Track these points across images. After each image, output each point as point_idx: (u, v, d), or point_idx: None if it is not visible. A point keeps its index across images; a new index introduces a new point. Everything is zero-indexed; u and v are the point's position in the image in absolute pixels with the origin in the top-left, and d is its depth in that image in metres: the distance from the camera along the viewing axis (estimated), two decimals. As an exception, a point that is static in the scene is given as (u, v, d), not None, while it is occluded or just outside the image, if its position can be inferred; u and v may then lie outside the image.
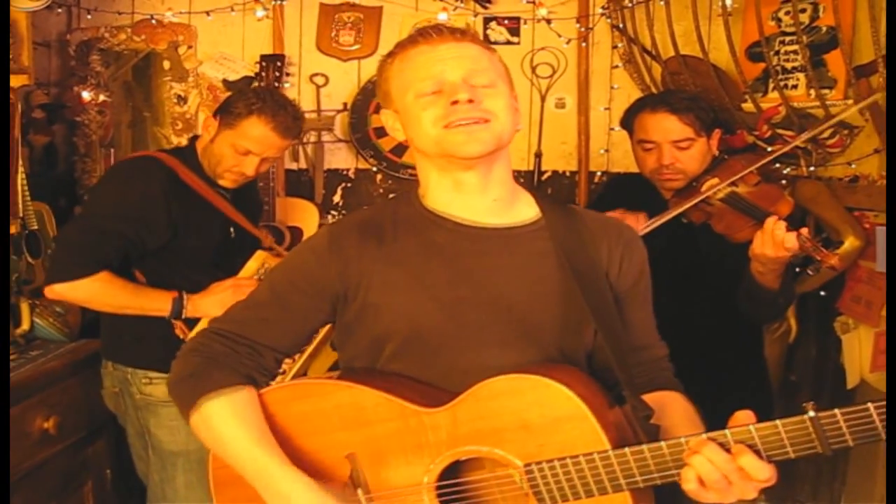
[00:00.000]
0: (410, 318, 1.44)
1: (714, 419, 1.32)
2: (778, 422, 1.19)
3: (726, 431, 1.21)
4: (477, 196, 1.48)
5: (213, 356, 1.46)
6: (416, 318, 1.44)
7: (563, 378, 1.31)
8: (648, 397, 1.44)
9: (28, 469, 2.28)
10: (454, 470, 1.39)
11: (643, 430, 1.31)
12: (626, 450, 1.26)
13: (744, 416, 1.24)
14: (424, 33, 1.46)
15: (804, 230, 2.04)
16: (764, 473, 1.20)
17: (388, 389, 1.39)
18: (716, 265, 2.27)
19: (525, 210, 1.54)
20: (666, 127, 2.36)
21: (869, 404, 1.12)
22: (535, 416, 1.31)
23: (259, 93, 2.45)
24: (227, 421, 1.41)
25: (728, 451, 1.21)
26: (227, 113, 2.41)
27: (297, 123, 2.45)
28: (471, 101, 1.39)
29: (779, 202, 2.25)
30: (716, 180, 2.33)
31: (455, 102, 1.39)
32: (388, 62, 1.51)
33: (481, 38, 3.40)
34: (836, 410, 1.14)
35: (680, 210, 2.30)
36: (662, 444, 1.25)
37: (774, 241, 2.00)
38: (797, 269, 2.17)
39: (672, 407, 1.46)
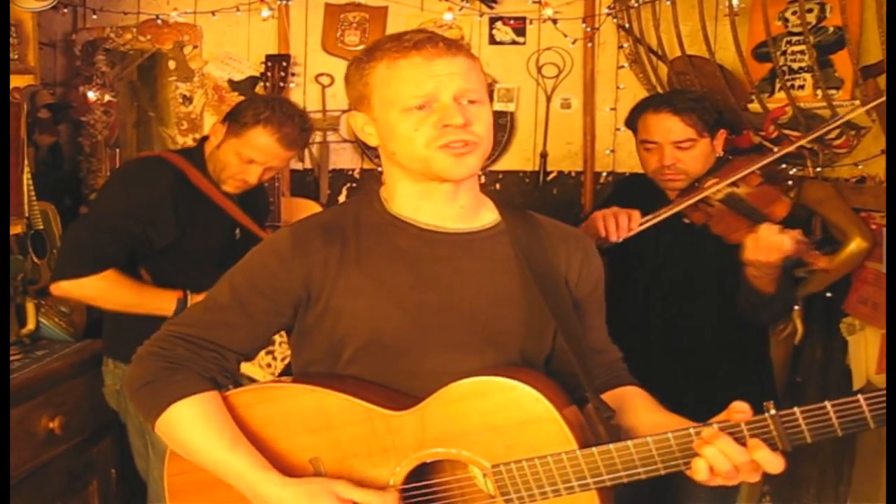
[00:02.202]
0: (372, 322, 1.42)
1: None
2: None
3: (741, 424, 1.22)
4: (445, 203, 1.48)
5: (177, 360, 1.42)
6: (378, 322, 1.42)
7: (529, 381, 1.33)
8: (612, 393, 1.50)
9: (33, 469, 2.28)
10: (420, 473, 1.39)
11: (606, 430, 1.33)
12: (594, 449, 1.28)
13: (739, 409, 1.25)
14: (419, 45, 1.39)
15: (795, 232, 2.02)
16: (777, 466, 1.21)
17: (352, 392, 1.38)
18: (718, 267, 2.27)
19: (487, 214, 1.54)
20: (668, 127, 2.34)
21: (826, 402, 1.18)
22: (502, 418, 1.32)
23: (269, 102, 2.45)
24: (197, 426, 1.38)
25: (740, 441, 1.22)
26: (234, 121, 2.41)
27: (303, 135, 2.45)
28: (464, 124, 1.37)
29: (775, 203, 2.24)
30: (716, 180, 2.32)
31: (447, 126, 1.37)
32: (370, 66, 1.44)
33: (487, 38, 3.46)
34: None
35: (676, 209, 2.28)
36: (629, 443, 1.27)
37: (769, 245, 2.00)
38: (794, 272, 2.16)
39: (634, 397, 1.51)
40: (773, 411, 1.20)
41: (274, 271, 1.45)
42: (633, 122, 2.47)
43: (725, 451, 1.21)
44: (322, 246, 1.45)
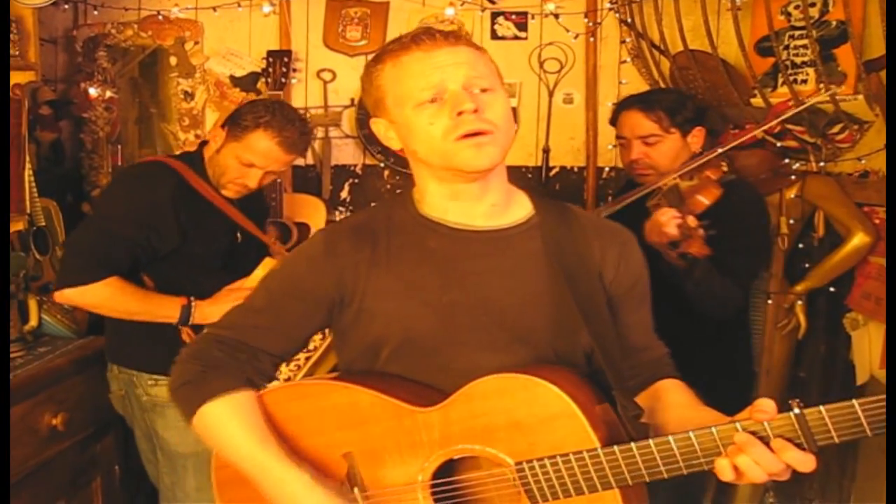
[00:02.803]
0: (404, 323, 1.44)
1: None
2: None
3: (765, 423, 1.19)
4: (474, 203, 1.48)
5: (213, 362, 1.46)
6: (410, 323, 1.44)
7: (553, 377, 1.32)
8: (650, 389, 1.48)
9: (37, 465, 2.28)
10: (449, 468, 1.40)
11: (633, 428, 1.32)
12: (615, 448, 1.27)
13: (762, 408, 1.21)
14: (417, 39, 1.41)
15: (690, 218, 2.14)
16: (809, 466, 1.18)
17: (382, 390, 1.40)
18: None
19: (518, 210, 1.54)
20: (633, 123, 2.47)
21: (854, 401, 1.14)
22: (525, 414, 1.32)
23: (269, 106, 2.44)
24: (229, 424, 1.41)
25: (765, 442, 1.19)
26: (234, 124, 2.40)
27: (303, 139, 2.45)
28: (476, 110, 1.37)
29: (700, 192, 2.29)
30: (673, 175, 2.38)
31: (461, 113, 1.37)
32: (378, 69, 1.46)
33: (489, 33, 3.46)
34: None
35: (627, 201, 2.41)
36: (650, 442, 1.25)
37: (658, 227, 2.17)
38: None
39: (670, 391, 1.49)
40: (797, 410, 1.17)
41: (306, 275, 1.49)
42: (614, 120, 2.59)
43: (760, 461, 1.18)
44: (353, 248, 1.47)
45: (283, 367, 2.43)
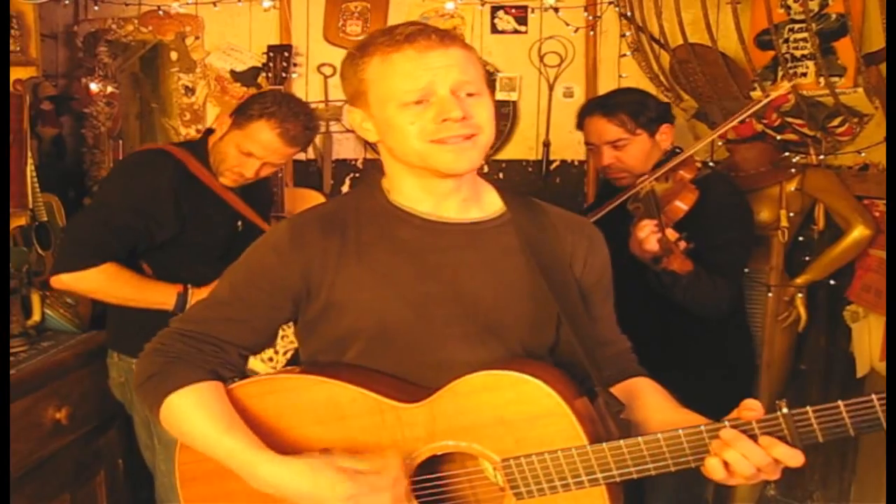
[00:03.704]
0: (377, 315, 1.42)
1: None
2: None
3: (752, 422, 1.22)
4: (447, 197, 1.47)
5: (177, 355, 1.43)
6: (383, 315, 1.42)
7: (540, 374, 1.33)
8: (621, 386, 1.48)
9: (41, 459, 2.28)
10: (431, 465, 1.40)
11: (616, 424, 1.33)
12: (604, 445, 1.28)
13: (750, 407, 1.24)
14: (411, 37, 1.36)
15: (669, 232, 2.13)
16: (797, 461, 1.21)
17: (363, 384, 1.38)
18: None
19: (488, 204, 1.53)
20: (599, 129, 2.45)
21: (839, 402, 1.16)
22: (512, 411, 1.32)
23: (277, 97, 2.43)
24: (194, 413, 1.38)
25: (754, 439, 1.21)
26: (240, 113, 2.40)
27: (307, 133, 2.43)
28: (462, 118, 1.36)
29: (678, 197, 2.27)
30: (647, 177, 2.38)
31: (446, 120, 1.35)
32: (364, 61, 1.41)
33: (489, 27, 3.46)
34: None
35: (610, 207, 2.39)
36: (640, 439, 1.27)
37: (639, 241, 2.16)
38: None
39: (646, 391, 1.49)
40: (785, 409, 1.19)
41: (272, 266, 1.46)
42: (580, 125, 2.57)
43: (748, 455, 1.20)
44: (320, 238, 1.44)
45: (280, 358, 2.44)
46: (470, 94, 1.38)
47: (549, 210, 1.56)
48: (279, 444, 1.39)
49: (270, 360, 2.45)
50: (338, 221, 1.47)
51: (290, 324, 1.56)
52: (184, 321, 1.49)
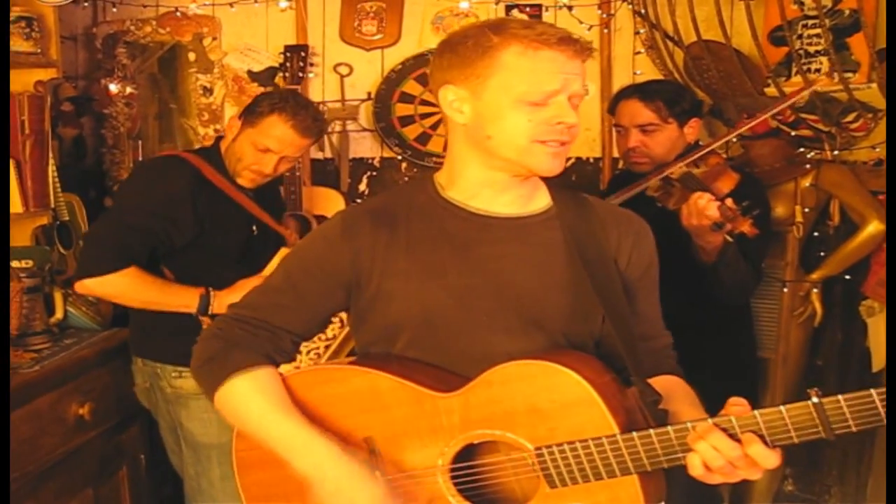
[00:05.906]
0: (422, 305, 1.45)
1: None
2: (782, 407, 1.21)
3: (731, 418, 1.23)
4: (505, 192, 1.49)
5: (233, 339, 1.49)
6: (427, 305, 1.45)
7: (573, 363, 1.34)
8: (653, 381, 1.46)
9: (64, 455, 2.32)
10: (468, 453, 1.42)
11: (651, 414, 1.33)
12: (634, 434, 1.28)
13: (736, 403, 1.25)
14: (563, 41, 1.36)
15: (728, 201, 2.13)
16: (772, 461, 1.22)
17: (403, 374, 1.42)
18: (687, 247, 2.30)
19: (539, 200, 1.55)
20: (632, 111, 2.51)
21: (871, 391, 1.15)
22: (545, 400, 1.33)
23: (282, 94, 2.52)
24: (252, 397, 1.44)
25: (733, 437, 1.22)
26: (250, 112, 2.46)
27: (317, 124, 2.48)
28: (572, 126, 1.40)
29: (720, 179, 2.32)
30: (681, 163, 2.40)
31: (560, 123, 1.39)
32: (497, 42, 1.37)
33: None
34: (840, 396, 1.16)
35: (639, 188, 2.40)
36: (669, 428, 1.27)
37: (697, 210, 2.15)
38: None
39: (676, 391, 1.48)
40: (815, 399, 1.18)
41: (323, 255, 1.51)
42: (613, 109, 2.63)
43: (717, 446, 1.22)
44: (370, 230, 1.48)
45: (304, 358, 2.47)
46: (578, 103, 1.43)
47: (596, 204, 1.58)
48: (328, 431, 1.44)
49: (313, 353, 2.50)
50: (388, 215, 1.51)
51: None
52: (240, 307, 1.56)
